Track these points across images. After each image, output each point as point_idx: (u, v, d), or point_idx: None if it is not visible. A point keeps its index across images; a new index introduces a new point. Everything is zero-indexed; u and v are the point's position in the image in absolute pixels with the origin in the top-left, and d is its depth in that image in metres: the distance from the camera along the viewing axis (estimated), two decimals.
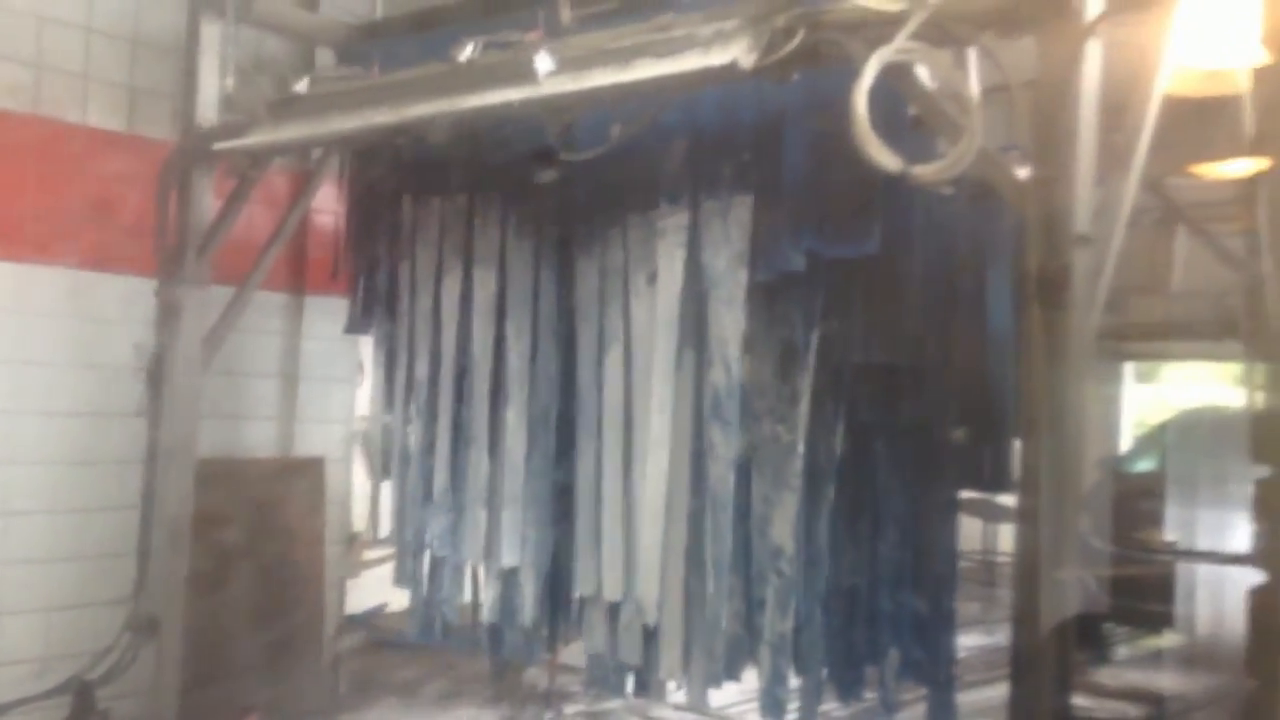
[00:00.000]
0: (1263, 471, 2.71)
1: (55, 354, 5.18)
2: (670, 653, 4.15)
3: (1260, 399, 2.53)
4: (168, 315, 5.17)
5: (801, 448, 4.01)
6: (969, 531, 9.39)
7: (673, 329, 4.18)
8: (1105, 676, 7.35)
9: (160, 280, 5.19)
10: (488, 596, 4.80)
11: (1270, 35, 2.65)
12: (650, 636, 4.19)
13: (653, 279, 4.24)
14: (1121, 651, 8.12)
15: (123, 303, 5.33)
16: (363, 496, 6.93)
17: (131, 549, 5.18)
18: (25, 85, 5.10)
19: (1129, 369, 11.83)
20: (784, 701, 4.04)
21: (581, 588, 4.44)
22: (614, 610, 4.32)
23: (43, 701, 4.93)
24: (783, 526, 4.01)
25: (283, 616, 5.88)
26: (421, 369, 5.06)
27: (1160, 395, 12.74)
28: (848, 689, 4.29)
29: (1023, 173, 3.23)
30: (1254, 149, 2.78)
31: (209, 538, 5.46)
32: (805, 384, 4.02)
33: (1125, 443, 10.84)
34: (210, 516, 5.45)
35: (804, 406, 4.01)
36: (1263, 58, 2.69)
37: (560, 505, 4.61)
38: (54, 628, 5.16)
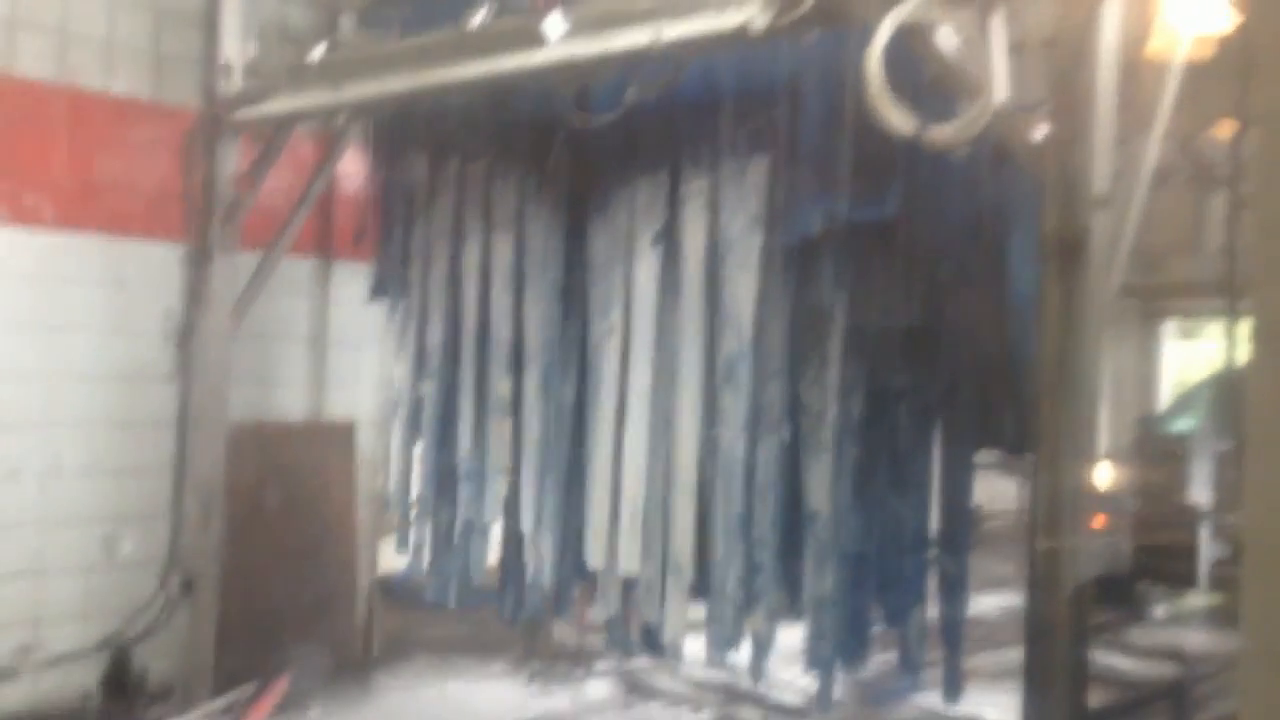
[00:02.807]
0: (1226, 444, 2.70)
1: (89, 319, 5.26)
2: (678, 616, 4.18)
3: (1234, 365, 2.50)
4: (196, 281, 5.24)
5: (833, 412, 4.01)
6: (1004, 490, 9.32)
7: (695, 294, 4.16)
8: (1138, 635, 7.31)
9: (189, 247, 5.26)
10: (506, 560, 4.85)
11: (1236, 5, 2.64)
12: (660, 601, 4.23)
13: (657, 240, 4.22)
14: (1160, 611, 8.06)
15: (153, 269, 5.40)
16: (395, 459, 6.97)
17: (168, 510, 5.29)
18: (51, 54, 5.14)
19: (1172, 327, 11.64)
20: (830, 658, 4.06)
21: (588, 556, 4.49)
22: (618, 575, 4.35)
23: (83, 657, 5.07)
24: (818, 490, 4.01)
25: (316, 576, 5.99)
26: (437, 334, 5.08)
27: (1204, 353, 12.52)
28: (858, 651, 4.30)
29: (1041, 134, 3.17)
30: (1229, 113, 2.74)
31: (242, 499, 5.56)
32: (834, 349, 4.00)
33: (1165, 402, 10.68)
34: (242, 479, 5.55)
35: (834, 371, 4.00)
36: (1229, 27, 2.67)
37: (576, 470, 4.63)
38: (93, 587, 5.29)
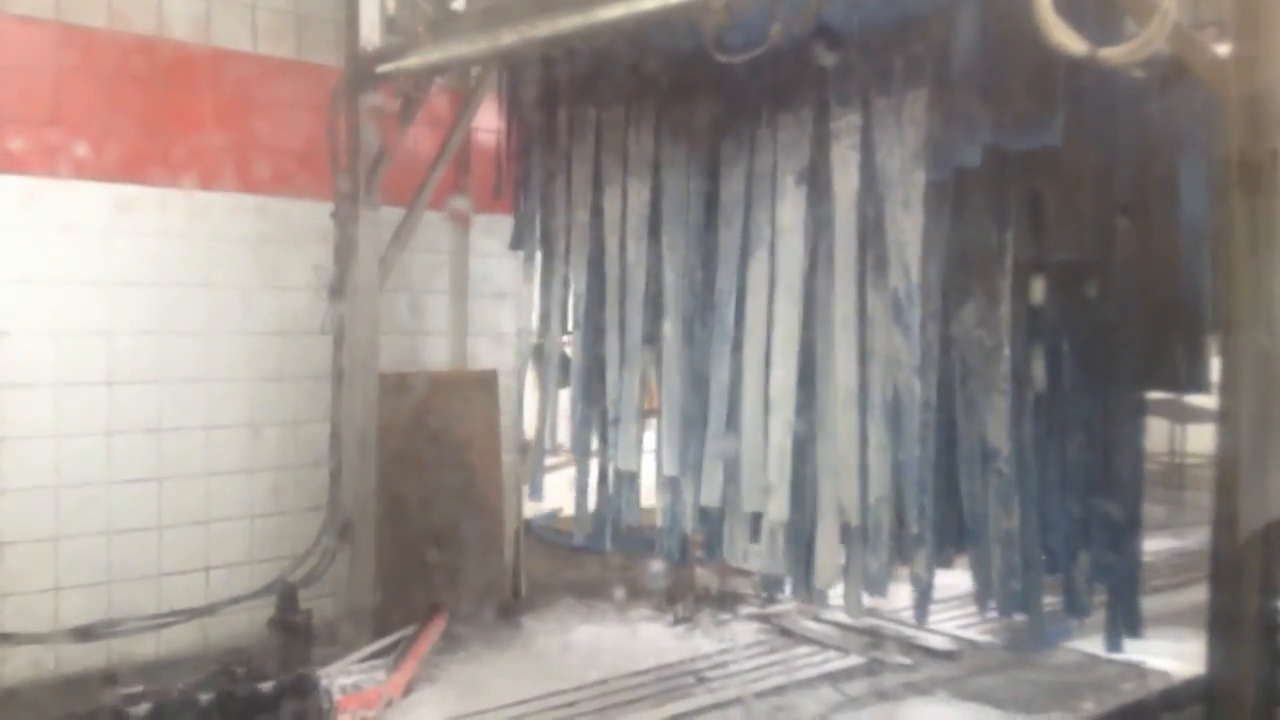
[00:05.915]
0: None
1: (244, 277, 5.44)
2: (828, 562, 4.15)
3: None
4: (344, 237, 5.36)
5: (1007, 350, 3.89)
6: (1156, 433, 8.99)
7: (850, 235, 4.06)
8: None
9: (335, 203, 5.38)
10: (654, 504, 4.87)
11: None
12: (808, 545, 4.20)
13: (801, 180, 4.10)
14: None
15: (302, 226, 5.54)
16: (533, 408, 7.08)
17: (324, 459, 5.48)
18: (198, 17, 5.28)
19: None
20: (1020, 595, 3.98)
21: (706, 498, 4.49)
22: (756, 520, 4.33)
23: (251, 601, 5.31)
24: (996, 429, 3.92)
25: (466, 521, 6.14)
26: (581, 282, 5.09)
27: None
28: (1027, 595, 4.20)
29: (1222, 50, 2.99)
30: None
31: (394, 448, 5.72)
32: (1004, 285, 3.88)
33: None
34: (394, 428, 5.71)
35: (1005, 309, 3.88)
36: None
37: (718, 414, 4.59)
38: (257, 533, 5.53)
